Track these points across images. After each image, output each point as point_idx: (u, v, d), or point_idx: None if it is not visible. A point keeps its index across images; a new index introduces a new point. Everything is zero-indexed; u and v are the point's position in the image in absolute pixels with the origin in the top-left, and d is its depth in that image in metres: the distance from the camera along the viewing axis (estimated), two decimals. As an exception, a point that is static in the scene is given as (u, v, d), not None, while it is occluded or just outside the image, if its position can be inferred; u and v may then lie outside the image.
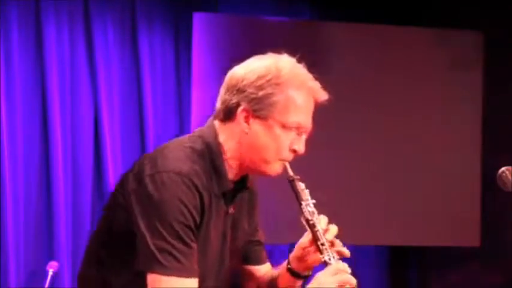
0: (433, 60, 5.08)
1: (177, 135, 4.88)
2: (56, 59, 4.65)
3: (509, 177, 2.43)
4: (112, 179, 4.72)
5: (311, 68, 2.17)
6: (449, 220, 5.02)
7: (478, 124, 5.08)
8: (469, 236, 5.06)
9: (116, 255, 2.07)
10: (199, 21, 4.74)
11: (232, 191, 2.16)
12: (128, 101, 4.87)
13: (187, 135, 2.21)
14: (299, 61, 2.17)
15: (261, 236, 2.39)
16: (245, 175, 2.20)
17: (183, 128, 4.95)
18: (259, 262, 2.38)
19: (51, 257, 4.48)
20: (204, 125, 2.20)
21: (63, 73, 4.68)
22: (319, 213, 2.22)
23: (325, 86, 2.17)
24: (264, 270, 2.38)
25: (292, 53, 2.18)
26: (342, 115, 4.91)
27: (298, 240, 2.23)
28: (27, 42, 4.62)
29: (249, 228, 2.31)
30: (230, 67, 2.24)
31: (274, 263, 2.22)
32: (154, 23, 4.90)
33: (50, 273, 4.21)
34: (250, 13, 5.16)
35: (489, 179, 3.08)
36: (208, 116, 2.21)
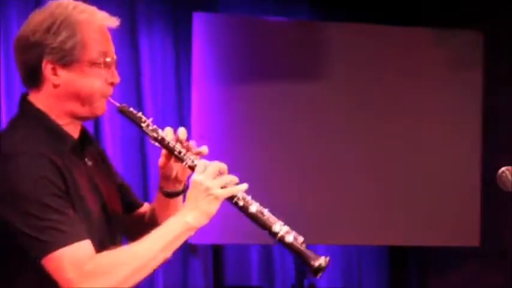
0: (433, 60, 5.08)
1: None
2: (55, 58, 4.65)
3: (509, 177, 2.43)
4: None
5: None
6: (449, 220, 5.02)
7: (478, 124, 5.08)
8: (469, 236, 5.06)
9: (13, 258, 2.00)
10: (199, 21, 4.74)
11: (78, 145, 2.13)
12: (127, 101, 4.83)
13: (9, 122, 2.14)
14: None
15: (125, 182, 2.38)
16: (83, 129, 2.18)
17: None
18: (136, 206, 2.38)
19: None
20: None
21: (63, 73, 4.67)
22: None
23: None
24: (143, 211, 2.38)
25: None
26: (341, 115, 4.91)
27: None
28: (27, 42, 4.62)
29: (112, 177, 2.29)
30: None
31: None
32: (154, 23, 4.90)
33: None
34: (250, 13, 5.16)
35: (489, 179, 3.08)
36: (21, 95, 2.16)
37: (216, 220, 2.21)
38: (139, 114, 2.21)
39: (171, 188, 2.28)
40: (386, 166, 4.99)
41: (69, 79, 2.07)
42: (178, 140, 2.18)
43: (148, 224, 2.30)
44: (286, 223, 2.15)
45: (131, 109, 2.21)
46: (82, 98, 2.09)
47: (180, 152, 2.15)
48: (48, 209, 1.94)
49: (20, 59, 2.14)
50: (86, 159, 2.16)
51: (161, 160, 2.25)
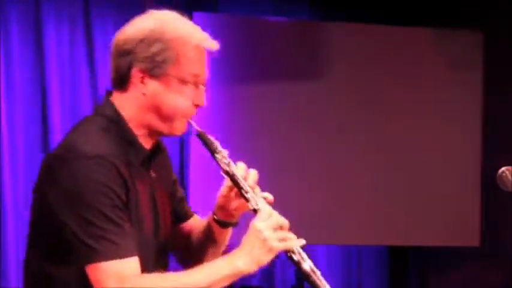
0: (433, 60, 5.08)
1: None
2: (56, 59, 4.65)
3: (509, 177, 2.43)
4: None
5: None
6: (449, 220, 5.02)
7: (478, 124, 5.08)
8: (469, 236, 5.06)
9: (51, 252, 2.02)
10: (199, 21, 4.70)
11: (148, 158, 2.13)
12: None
13: (85, 117, 2.15)
14: (185, 17, 2.16)
15: (181, 191, 2.36)
16: (157, 141, 2.17)
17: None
18: (186, 217, 2.35)
19: (51, 257, 4.47)
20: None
21: (63, 73, 4.68)
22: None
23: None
24: (191, 223, 2.36)
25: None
26: (341, 115, 4.91)
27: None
28: (27, 42, 4.62)
29: (171, 188, 2.29)
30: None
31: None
32: (154, 23, 4.89)
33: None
34: (250, 13, 5.16)
35: (489, 179, 3.08)
36: (106, 92, 2.16)
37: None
38: (216, 143, 2.19)
39: (223, 218, 2.26)
40: (386, 166, 4.99)
41: (156, 91, 2.06)
42: (247, 178, 2.16)
43: (192, 239, 2.30)
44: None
45: (209, 136, 2.19)
46: (163, 113, 2.08)
47: (247, 192, 2.13)
48: (105, 218, 1.94)
49: (113, 62, 2.11)
50: (151, 171, 2.15)
51: (224, 190, 2.23)
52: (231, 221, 2.27)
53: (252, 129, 4.77)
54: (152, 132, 2.12)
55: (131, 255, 1.96)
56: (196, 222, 2.36)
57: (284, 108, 4.81)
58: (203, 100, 2.13)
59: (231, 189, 2.21)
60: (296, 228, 2.16)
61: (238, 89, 4.77)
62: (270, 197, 2.15)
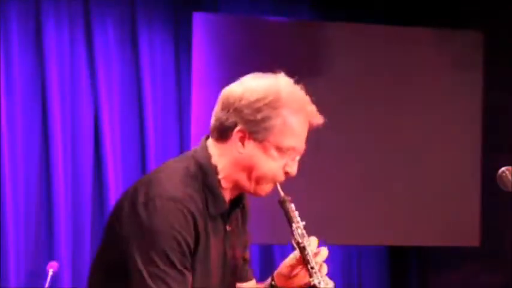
0: (433, 60, 5.08)
1: (177, 135, 4.92)
2: (56, 59, 4.65)
3: (509, 177, 2.43)
4: (112, 179, 4.73)
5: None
6: (449, 220, 5.02)
7: (478, 124, 5.08)
8: (469, 236, 5.06)
9: (115, 285, 2.06)
10: (199, 21, 4.74)
11: (228, 211, 2.15)
12: (128, 100, 4.87)
13: (181, 156, 2.19)
14: (297, 82, 2.16)
15: (248, 253, 2.37)
16: (240, 194, 2.19)
17: (182, 127, 4.96)
18: (246, 279, 2.37)
19: (51, 257, 4.48)
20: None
21: (63, 73, 4.68)
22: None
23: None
24: (247, 286, 2.37)
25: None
26: (341, 115, 4.91)
27: None
28: (27, 42, 4.62)
29: (243, 245, 2.30)
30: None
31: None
32: (154, 23, 4.90)
33: (50, 273, 4.20)
34: (250, 13, 5.16)
35: (489, 179, 3.08)
36: (205, 136, 2.18)
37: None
38: (296, 214, 2.20)
39: (280, 285, 2.29)
40: (386, 166, 4.99)
41: (252, 152, 2.08)
42: (317, 255, 2.17)
43: None
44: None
45: (291, 205, 2.20)
46: (254, 175, 2.10)
47: (312, 268, 2.14)
48: (169, 262, 1.97)
49: (217, 112, 2.11)
50: (228, 224, 2.16)
51: (291, 261, 2.24)
52: None
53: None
54: (237, 188, 2.14)
55: None
56: (253, 286, 2.39)
57: (284, 108, 4.81)
58: (295, 170, 2.16)
59: (299, 262, 2.21)
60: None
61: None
62: (331, 284, 2.17)
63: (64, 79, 4.68)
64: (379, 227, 4.98)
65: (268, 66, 5.52)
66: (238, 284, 2.34)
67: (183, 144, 4.92)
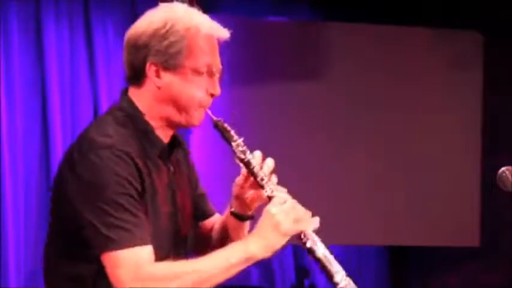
0: (433, 60, 5.08)
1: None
2: (56, 59, 4.65)
3: (509, 177, 2.43)
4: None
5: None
6: (449, 220, 5.02)
7: (478, 124, 5.09)
8: (469, 236, 5.06)
9: (70, 249, 2.05)
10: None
11: (166, 150, 2.14)
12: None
13: (105, 112, 2.17)
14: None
15: (202, 188, 2.37)
16: (175, 134, 2.19)
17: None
18: (207, 215, 2.36)
19: (51, 257, 4.47)
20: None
21: (63, 73, 4.68)
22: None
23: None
24: (212, 221, 2.36)
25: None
26: (341, 115, 4.91)
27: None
28: (27, 42, 4.62)
29: (192, 184, 2.29)
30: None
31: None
32: (154, 23, 4.89)
33: (50, 273, 4.20)
34: (250, 13, 5.16)
35: (489, 179, 3.08)
36: (122, 89, 2.18)
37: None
38: (232, 132, 2.20)
39: (239, 211, 2.26)
40: (386, 166, 4.99)
41: (171, 83, 2.08)
42: (263, 166, 2.17)
43: (213, 237, 2.31)
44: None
45: (226, 125, 2.21)
46: (180, 105, 2.10)
47: (262, 179, 2.14)
48: (120, 207, 1.96)
49: (126, 58, 2.13)
50: (170, 165, 2.16)
51: (239, 179, 2.23)
52: (247, 214, 2.26)
53: (252, 129, 4.77)
54: (170, 124, 2.14)
55: (145, 244, 1.97)
56: (217, 219, 2.37)
57: (284, 108, 4.81)
58: (218, 89, 2.15)
59: (246, 178, 2.21)
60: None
61: (238, 89, 4.77)
62: (283, 189, 2.16)
63: (64, 79, 4.68)
64: (379, 227, 4.98)
65: (268, 66, 5.54)
66: (201, 222, 2.34)
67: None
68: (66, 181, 2.01)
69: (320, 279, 5.12)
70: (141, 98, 2.11)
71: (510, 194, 2.46)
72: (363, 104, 4.95)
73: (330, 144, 4.85)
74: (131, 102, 2.11)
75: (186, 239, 2.21)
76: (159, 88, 2.09)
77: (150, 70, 2.08)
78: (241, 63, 4.77)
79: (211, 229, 2.35)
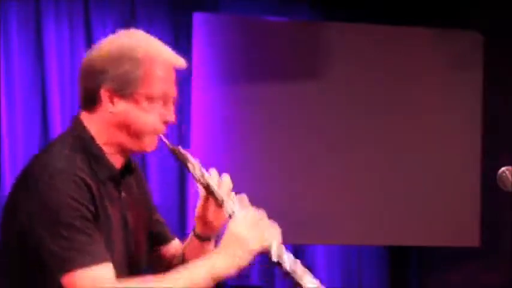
0: (433, 60, 5.08)
1: (177, 135, 4.92)
2: (56, 59, 4.66)
3: (509, 177, 2.43)
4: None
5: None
6: (449, 220, 5.02)
7: (478, 124, 5.09)
8: (469, 236, 5.06)
9: (26, 277, 2.02)
10: (199, 21, 4.74)
11: (118, 176, 2.14)
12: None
13: (57, 138, 2.16)
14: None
15: (159, 215, 2.36)
16: (129, 159, 2.18)
17: (182, 127, 4.95)
18: (166, 240, 2.36)
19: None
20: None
21: (63, 73, 4.68)
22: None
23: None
24: (173, 247, 2.36)
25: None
26: (341, 115, 4.91)
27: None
28: (27, 42, 4.63)
29: (146, 210, 2.29)
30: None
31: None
32: (154, 23, 4.90)
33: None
34: (250, 13, 5.16)
35: (489, 179, 3.08)
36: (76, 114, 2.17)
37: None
38: (188, 155, 2.17)
39: (205, 232, 2.27)
40: (386, 166, 4.99)
41: (124, 110, 2.07)
42: (220, 187, 2.16)
43: (175, 264, 2.29)
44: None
45: (181, 150, 2.18)
46: (132, 131, 2.09)
47: (222, 200, 2.14)
48: (75, 230, 1.94)
49: (81, 81, 2.12)
50: (122, 190, 2.15)
51: (200, 202, 2.24)
52: (211, 234, 2.27)
53: (252, 129, 4.78)
54: (122, 150, 2.13)
55: (103, 262, 1.96)
56: (178, 247, 2.36)
57: (284, 107, 4.81)
58: (172, 117, 2.14)
59: (206, 199, 2.21)
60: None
61: (238, 89, 4.77)
62: (245, 197, 2.17)
63: (64, 79, 4.68)
64: (379, 227, 4.98)
65: (268, 66, 5.54)
66: (160, 248, 2.33)
67: (182, 144, 4.90)
68: (19, 205, 2.00)
69: (320, 279, 5.11)
70: (94, 123, 2.10)
71: (510, 194, 2.46)
72: (363, 104, 4.96)
73: (329, 144, 4.85)
74: (84, 127, 2.10)
75: (139, 263, 2.21)
76: (112, 114, 2.07)
77: (104, 96, 2.06)
78: (241, 63, 4.77)
79: (173, 254, 2.35)
